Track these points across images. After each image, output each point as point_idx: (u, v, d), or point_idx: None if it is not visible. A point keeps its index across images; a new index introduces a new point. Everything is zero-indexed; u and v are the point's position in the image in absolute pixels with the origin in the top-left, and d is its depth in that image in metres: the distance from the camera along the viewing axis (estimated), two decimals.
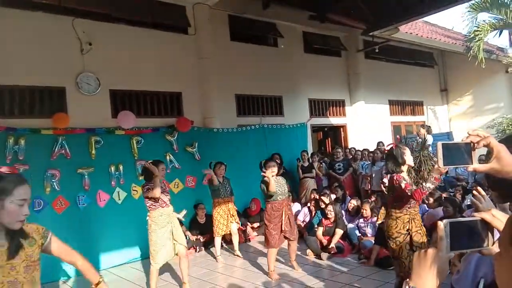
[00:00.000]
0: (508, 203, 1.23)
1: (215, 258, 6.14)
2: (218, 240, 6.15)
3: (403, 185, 3.59)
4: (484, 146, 1.13)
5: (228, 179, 6.37)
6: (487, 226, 0.92)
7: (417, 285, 0.89)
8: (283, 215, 4.99)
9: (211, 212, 6.28)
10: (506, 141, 1.17)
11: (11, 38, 5.98)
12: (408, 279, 0.91)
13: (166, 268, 5.46)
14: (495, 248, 0.86)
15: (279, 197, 4.99)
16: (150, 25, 7.43)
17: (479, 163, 1.13)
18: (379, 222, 4.36)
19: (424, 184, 3.52)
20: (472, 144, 1.14)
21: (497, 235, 0.91)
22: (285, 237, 5.07)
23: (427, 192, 3.63)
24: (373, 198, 6.87)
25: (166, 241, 4.49)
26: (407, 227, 3.71)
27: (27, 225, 1.76)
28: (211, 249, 6.61)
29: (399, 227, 3.72)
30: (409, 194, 3.56)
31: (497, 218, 0.91)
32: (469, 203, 6.22)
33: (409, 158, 3.78)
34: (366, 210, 6.11)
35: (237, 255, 6.21)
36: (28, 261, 1.71)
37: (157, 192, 4.30)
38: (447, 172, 5.00)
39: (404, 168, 3.75)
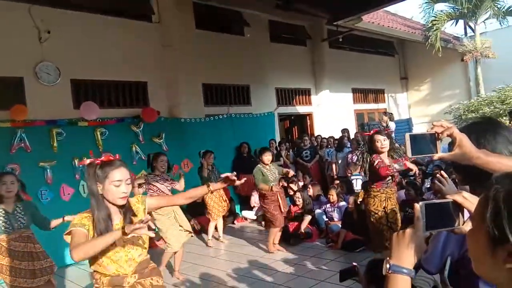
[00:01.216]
0: (468, 186, 1.33)
1: (205, 243, 6.34)
2: (212, 225, 6.33)
3: (377, 161, 3.92)
4: (448, 136, 1.22)
5: (215, 166, 6.52)
6: (458, 208, 1.00)
7: (397, 262, 0.96)
8: (280, 199, 5.39)
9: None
10: (467, 130, 1.26)
11: None
12: (388, 258, 0.98)
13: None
14: (465, 228, 0.94)
15: (272, 183, 5.37)
16: (112, 12, 7.18)
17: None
18: (359, 200, 4.67)
19: (392, 164, 3.92)
20: (436, 134, 1.23)
21: (467, 215, 1.00)
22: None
23: (393, 170, 3.94)
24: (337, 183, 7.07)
25: (174, 226, 4.70)
26: (384, 205, 4.03)
27: (129, 200, 2.09)
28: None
29: (376, 204, 4.04)
30: (377, 168, 3.88)
31: (468, 199, 0.99)
32: (428, 186, 6.55)
33: (380, 145, 4.01)
34: (333, 196, 6.29)
35: (221, 241, 6.37)
36: None
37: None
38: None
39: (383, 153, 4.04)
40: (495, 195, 0.70)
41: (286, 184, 7.18)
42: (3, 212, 3.37)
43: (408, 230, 0.97)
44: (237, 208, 8.06)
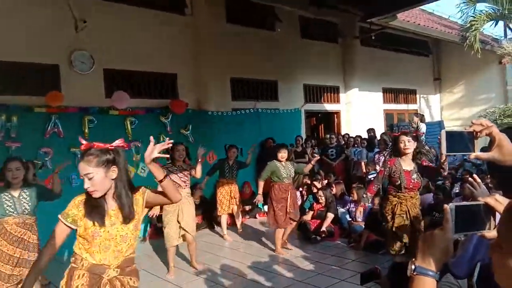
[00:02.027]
0: (501, 191, 1.28)
1: (222, 236, 6.38)
2: (223, 219, 6.37)
3: (379, 169, 3.97)
4: (487, 135, 1.17)
5: (240, 163, 6.53)
6: (490, 211, 0.97)
7: (423, 264, 0.93)
8: (289, 197, 5.27)
9: (209, 195, 6.45)
10: (507, 132, 1.20)
11: (5, 13, 5.84)
12: (413, 259, 0.95)
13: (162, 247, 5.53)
14: (493, 233, 0.91)
15: (285, 180, 5.30)
16: (146, 4, 7.31)
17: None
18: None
19: (366, 195, 4.14)
20: (475, 132, 1.18)
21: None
22: (290, 218, 5.32)
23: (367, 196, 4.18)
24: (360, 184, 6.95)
25: (172, 223, 4.66)
26: (394, 210, 3.92)
27: (138, 190, 2.05)
28: (201, 230, 6.74)
29: (388, 208, 3.97)
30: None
31: (501, 202, 0.95)
32: (457, 191, 6.35)
33: (403, 146, 3.90)
34: (354, 195, 6.22)
35: (226, 238, 6.31)
36: (136, 220, 2.02)
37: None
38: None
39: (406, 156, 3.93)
40: None
41: (309, 182, 7.14)
42: (9, 196, 3.42)
43: (436, 232, 0.95)
44: (260, 203, 8.06)
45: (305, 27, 10.14)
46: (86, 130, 6.25)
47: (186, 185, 4.78)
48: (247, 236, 6.45)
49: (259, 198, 5.55)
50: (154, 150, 2.00)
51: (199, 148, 4.85)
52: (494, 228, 0.97)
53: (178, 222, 4.67)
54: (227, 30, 8.49)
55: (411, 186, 3.89)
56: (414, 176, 3.91)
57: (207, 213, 7.00)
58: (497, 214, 0.97)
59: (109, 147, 1.95)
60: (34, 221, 3.56)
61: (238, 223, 6.55)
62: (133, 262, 2.07)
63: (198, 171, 4.79)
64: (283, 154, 5.31)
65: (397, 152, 3.98)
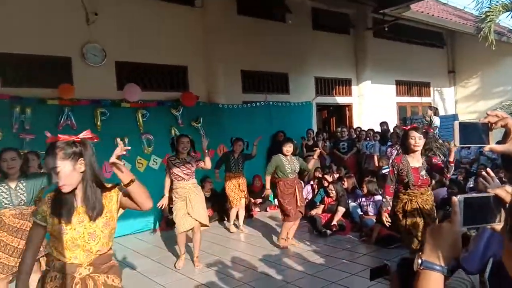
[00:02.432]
0: None
1: (231, 229, 6.42)
2: (233, 211, 6.42)
3: (388, 169, 3.88)
4: (502, 126, 1.13)
5: (245, 155, 6.53)
6: (500, 203, 0.94)
7: (430, 258, 0.90)
8: (297, 192, 5.23)
9: (220, 189, 6.46)
10: None
11: (17, 7, 5.90)
12: (420, 253, 0.92)
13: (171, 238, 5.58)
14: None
15: (290, 175, 5.23)
16: None
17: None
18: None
19: (385, 199, 3.90)
20: (489, 124, 1.14)
21: None
22: (299, 211, 5.31)
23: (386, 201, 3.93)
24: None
25: (184, 213, 4.68)
26: (405, 208, 3.82)
27: (108, 186, 1.97)
28: (212, 222, 6.76)
29: (398, 206, 3.87)
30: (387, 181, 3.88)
31: (511, 194, 0.92)
32: (471, 185, 6.26)
33: (413, 143, 3.77)
34: (364, 188, 6.17)
35: (241, 230, 6.36)
36: (106, 218, 1.93)
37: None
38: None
39: (414, 153, 3.81)
40: None
41: (321, 175, 7.11)
42: (6, 187, 3.38)
43: (444, 225, 0.91)
44: (271, 196, 8.07)
45: (317, 18, 10.01)
46: (99, 123, 6.30)
47: (190, 177, 4.76)
48: (257, 229, 6.46)
49: (268, 192, 5.58)
50: (115, 153, 1.90)
51: (203, 140, 4.88)
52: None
53: (188, 213, 4.68)
54: (238, 22, 8.44)
55: (419, 183, 3.76)
56: (423, 172, 3.77)
57: (218, 205, 7.03)
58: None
59: (75, 139, 1.89)
60: (31, 210, 3.50)
61: (241, 220, 6.48)
62: (110, 259, 1.98)
63: (207, 163, 4.80)
64: (288, 148, 5.25)
65: (406, 148, 3.85)
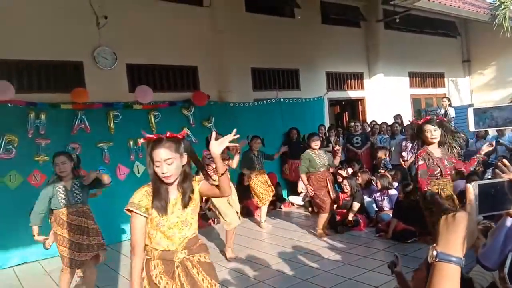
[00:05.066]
0: None
1: (259, 225, 6.50)
2: (264, 209, 6.47)
3: (419, 163, 3.81)
4: None
5: (264, 154, 6.60)
6: None
7: (445, 249, 0.85)
8: (329, 184, 5.42)
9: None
10: None
11: (27, 13, 5.99)
12: (434, 244, 0.87)
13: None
14: None
15: (320, 169, 5.41)
16: None
17: None
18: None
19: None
20: None
21: None
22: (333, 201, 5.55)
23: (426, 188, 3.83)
24: (391, 172, 6.80)
25: (228, 205, 4.86)
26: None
27: (194, 178, 2.17)
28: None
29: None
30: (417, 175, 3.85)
31: None
32: (489, 176, 6.12)
33: (429, 136, 3.80)
34: (377, 183, 6.09)
35: (262, 226, 6.39)
36: (194, 205, 2.14)
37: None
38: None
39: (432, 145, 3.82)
40: None
41: (335, 171, 7.04)
42: (64, 189, 3.60)
43: (459, 214, 0.86)
44: (284, 193, 8.05)
45: (326, 12, 9.91)
46: (112, 125, 6.36)
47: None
48: (272, 226, 6.44)
49: (309, 190, 5.52)
50: (223, 141, 2.07)
51: (241, 140, 4.96)
52: None
53: (230, 204, 4.88)
54: (246, 19, 8.42)
55: (448, 172, 3.85)
56: (446, 162, 3.83)
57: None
58: None
59: (179, 137, 2.10)
60: (87, 209, 3.75)
61: (263, 217, 6.49)
62: (198, 240, 2.19)
63: (235, 162, 5.05)
64: (316, 142, 5.42)
65: (423, 141, 3.89)
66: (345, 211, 5.96)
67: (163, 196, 2.05)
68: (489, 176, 6.12)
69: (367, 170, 7.32)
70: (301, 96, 9.05)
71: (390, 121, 8.84)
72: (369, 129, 9.10)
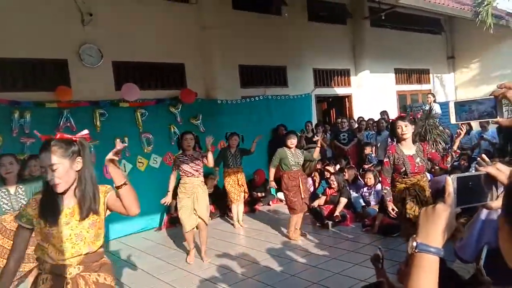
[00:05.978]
0: None
1: (232, 225, 6.44)
2: (234, 208, 6.40)
3: (384, 160, 3.90)
4: (503, 98, 1.13)
5: (241, 150, 6.48)
6: (492, 180, 0.93)
7: (424, 240, 0.88)
8: (301, 184, 5.27)
9: (222, 185, 6.50)
10: None
11: (11, 12, 5.89)
12: (414, 235, 0.90)
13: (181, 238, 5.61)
14: (498, 203, 0.87)
15: (294, 168, 5.30)
16: None
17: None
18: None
19: (386, 190, 3.92)
20: (500, 96, 1.14)
21: (501, 188, 0.92)
22: (305, 203, 5.38)
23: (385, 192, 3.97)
24: (377, 167, 6.88)
25: (190, 210, 4.73)
26: (402, 195, 3.85)
27: (98, 187, 1.95)
28: (215, 218, 6.86)
29: (396, 195, 3.90)
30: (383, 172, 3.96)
31: (502, 171, 0.91)
32: (473, 171, 6.25)
33: (400, 132, 3.83)
34: (370, 179, 6.16)
35: (241, 225, 6.37)
36: (93, 219, 1.90)
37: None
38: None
39: (405, 141, 3.85)
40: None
41: (322, 167, 7.11)
42: (6, 193, 3.36)
43: (438, 206, 0.89)
44: (273, 190, 8.08)
45: (312, 9, 9.95)
46: (98, 123, 6.31)
47: (199, 174, 4.82)
48: (260, 223, 6.48)
49: (272, 185, 5.61)
50: (112, 151, 1.88)
51: (207, 137, 4.85)
52: (496, 199, 0.93)
53: (195, 209, 4.74)
54: (233, 16, 8.41)
55: (416, 171, 3.82)
56: (418, 160, 3.82)
57: (221, 201, 7.04)
58: (499, 184, 0.93)
59: (74, 138, 1.89)
60: None
61: (240, 215, 6.45)
62: (101, 257, 1.96)
63: (210, 160, 4.79)
64: (292, 140, 5.32)
65: (396, 138, 3.93)
66: (332, 206, 6.03)
67: (53, 204, 1.84)
68: (473, 171, 6.24)
69: (353, 166, 7.40)
70: (288, 93, 9.09)
71: (377, 117, 8.93)
72: (356, 125, 9.19)
